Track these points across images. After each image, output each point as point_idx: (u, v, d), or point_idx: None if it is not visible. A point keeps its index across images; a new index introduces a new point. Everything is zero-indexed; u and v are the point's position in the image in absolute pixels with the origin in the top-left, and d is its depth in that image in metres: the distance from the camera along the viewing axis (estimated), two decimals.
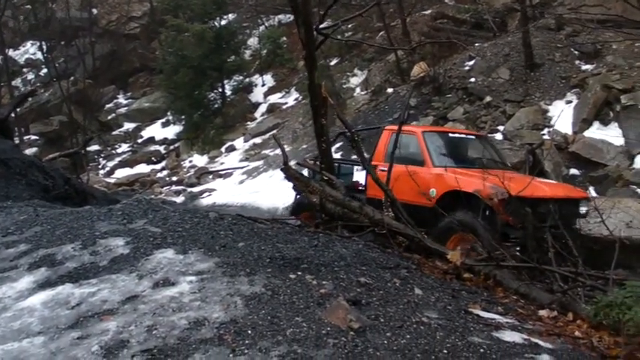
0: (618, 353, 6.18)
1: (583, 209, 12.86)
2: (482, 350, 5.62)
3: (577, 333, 6.84)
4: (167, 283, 6.31)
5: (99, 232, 7.69)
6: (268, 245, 7.73)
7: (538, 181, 13.30)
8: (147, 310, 5.74)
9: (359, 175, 15.59)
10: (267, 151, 33.86)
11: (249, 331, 5.46)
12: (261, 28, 46.13)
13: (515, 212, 11.47)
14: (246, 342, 5.29)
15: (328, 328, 5.62)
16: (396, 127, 15.46)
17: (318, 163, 14.26)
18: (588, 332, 6.90)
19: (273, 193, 25.80)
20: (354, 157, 17.66)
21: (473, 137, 16.49)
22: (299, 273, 6.90)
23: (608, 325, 6.83)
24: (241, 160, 34.98)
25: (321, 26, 12.35)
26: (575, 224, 12.34)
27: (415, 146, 14.43)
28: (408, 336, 5.70)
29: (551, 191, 12.36)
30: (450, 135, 15.88)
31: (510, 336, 6.15)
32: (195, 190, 32.30)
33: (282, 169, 10.79)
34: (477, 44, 31.04)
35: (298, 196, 14.15)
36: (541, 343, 6.12)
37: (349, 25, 40.69)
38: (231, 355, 5.10)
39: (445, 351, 5.50)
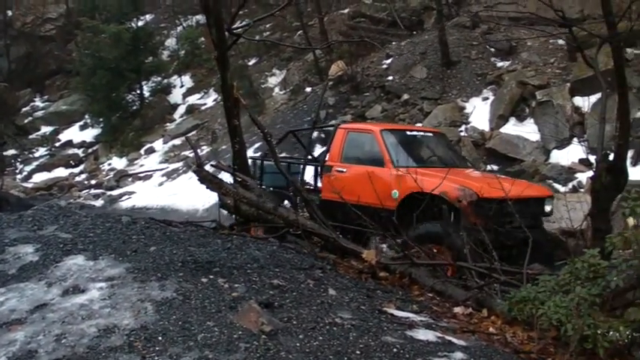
0: (531, 348, 6.23)
1: (547, 208, 12.73)
2: (395, 350, 5.61)
3: (491, 329, 6.89)
4: (77, 290, 6.20)
5: (8, 239, 7.55)
6: (180, 249, 7.66)
7: (504, 180, 13.22)
8: (56, 319, 5.64)
9: (308, 175, 15.27)
10: (186, 153, 33.58)
11: (160, 338, 5.39)
12: (179, 28, 45.83)
13: (483, 214, 11.24)
14: (157, 348, 5.23)
15: (240, 332, 5.57)
16: (350, 126, 15.22)
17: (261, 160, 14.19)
18: (502, 328, 6.96)
19: (193, 194, 25.64)
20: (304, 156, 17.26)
21: (430, 134, 15.86)
22: (211, 276, 6.84)
23: (522, 321, 6.88)
24: (161, 162, 34.67)
25: (234, 26, 12.24)
26: (542, 223, 12.33)
27: (373, 145, 13.59)
28: (321, 337, 5.68)
29: (518, 191, 12.14)
30: (408, 133, 15.21)
31: (424, 334, 6.16)
32: (115, 193, 31.91)
33: (194, 171, 10.69)
34: (394, 43, 31.23)
35: None
36: (455, 340, 6.14)
37: (267, 25, 40.68)
38: None
39: (358, 352, 5.48)
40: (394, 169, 12.81)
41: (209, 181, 10.18)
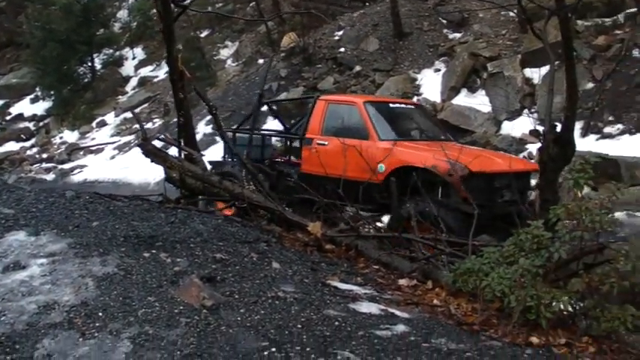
0: (474, 320, 6.23)
1: (534, 182, 12.61)
2: (337, 323, 5.59)
3: (435, 301, 6.89)
4: (17, 266, 6.13)
5: None
6: (123, 223, 7.59)
7: (493, 154, 13.10)
8: None
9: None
10: (138, 126, 33.35)
11: (100, 314, 5.35)
12: (131, 0, 45.33)
13: (474, 189, 10.92)
14: (97, 325, 5.18)
15: (181, 307, 5.54)
16: (330, 97, 14.94)
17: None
18: (447, 300, 6.96)
19: (145, 168, 25.49)
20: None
21: (412, 107, 15.78)
22: (153, 251, 6.78)
23: (467, 292, 6.89)
24: (112, 135, 34.43)
25: None
26: (528, 197, 12.27)
27: (357, 118, 13.33)
28: (263, 311, 5.65)
29: (507, 165, 12.02)
30: (391, 105, 14.99)
31: (367, 307, 6.15)
32: (66, 166, 31.64)
33: (139, 145, 10.57)
34: (346, 14, 31.21)
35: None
36: (398, 312, 6.13)
37: None
38: (80, 340, 4.99)
39: (299, 325, 5.46)
40: (379, 142, 12.70)
41: (154, 154, 10.10)
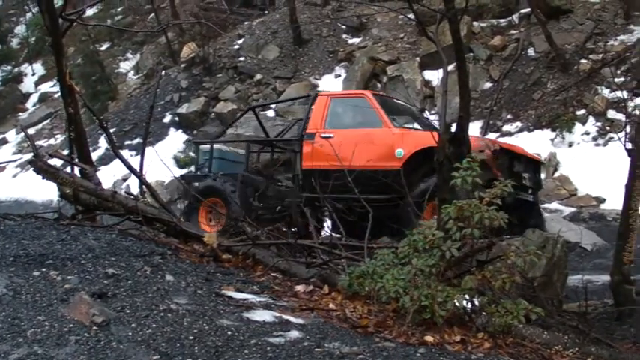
0: (368, 322, 6.25)
1: (542, 175, 12.85)
2: (229, 332, 5.56)
3: (331, 305, 6.89)
4: None
5: None
6: (13, 242, 7.44)
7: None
8: None
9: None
10: (40, 142, 32.91)
11: None
12: (29, 15, 44.70)
13: (501, 166, 11.27)
14: None
15: (71, 325, 5.43)
16: (331, 92, 15.72)
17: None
18: (343, 303, 6.97)
19: (48, 185, 25.15)
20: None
21: (404, 103, 15.88)
22: (43, 269, 6.65)
23: (364, 295, 6.92)
24: (15, 153, 33.94)
25: (72, 11, 11.93)
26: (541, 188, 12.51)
27: (366, 108, 13.37)
28: (154, 325, 5.58)
29: (523, 150, 12.30)
30: (389, 99, 15.41)
31: (261, 315, 6.13)
32: None
33: (29, 162, 10.39)
34: (246, 23, 31.26)
35: None
36: (292, 319, 6.13)
37: (119, 9, 40.17)
38: None
39: (191, 337, 5.41)
40: (394, 129, 12.89)
41: (44, 171, 9.92)
